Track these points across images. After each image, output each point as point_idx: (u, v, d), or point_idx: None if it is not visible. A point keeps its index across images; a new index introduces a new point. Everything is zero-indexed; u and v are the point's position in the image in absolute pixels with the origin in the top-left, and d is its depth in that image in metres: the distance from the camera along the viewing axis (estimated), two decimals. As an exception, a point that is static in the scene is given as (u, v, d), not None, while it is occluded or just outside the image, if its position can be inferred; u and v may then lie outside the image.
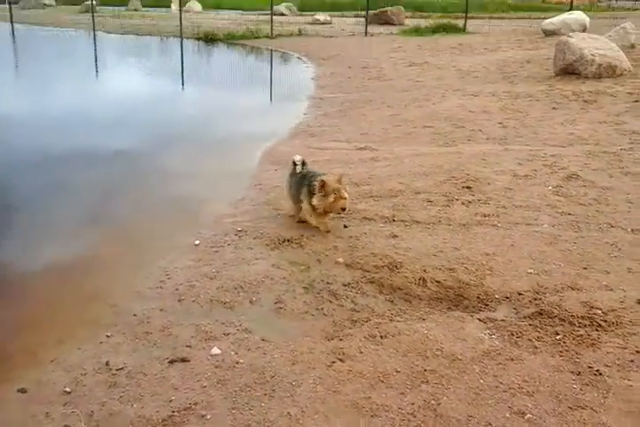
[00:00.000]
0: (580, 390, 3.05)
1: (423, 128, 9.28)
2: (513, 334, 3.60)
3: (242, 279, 4.50)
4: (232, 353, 3.48)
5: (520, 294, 4.10)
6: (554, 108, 10.26)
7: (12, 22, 30.48)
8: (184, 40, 23.79)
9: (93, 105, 12.18)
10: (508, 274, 4.38)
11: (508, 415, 2.87)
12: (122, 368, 3.43)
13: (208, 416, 2.93)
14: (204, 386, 3.19)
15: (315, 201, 5.10)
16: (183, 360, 3.45)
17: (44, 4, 40.97)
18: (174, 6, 36.13)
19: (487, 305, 4.05)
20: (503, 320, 3.79)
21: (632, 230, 5.10)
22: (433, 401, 2.98)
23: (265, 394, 3.09)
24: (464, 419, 2.85)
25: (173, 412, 2.99)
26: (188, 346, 3.63)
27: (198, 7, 39.52)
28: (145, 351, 3.62)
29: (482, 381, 3.14)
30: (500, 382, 3.12)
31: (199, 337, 3.72)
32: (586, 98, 10.79)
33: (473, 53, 18.59)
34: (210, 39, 24.35)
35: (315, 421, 2.87)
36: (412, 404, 2.97)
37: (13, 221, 5.93)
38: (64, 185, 7.01)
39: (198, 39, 24.66)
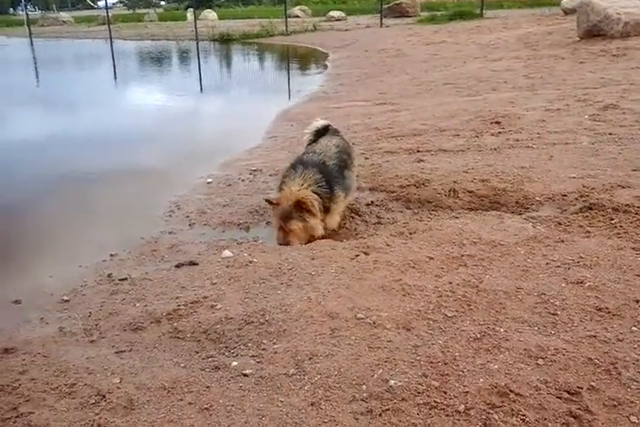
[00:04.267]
0: (647, 262, 2.62)
1: (444, 85, 8.87)
2: (560, 224, 3.18)
3: (257, 205, 4.16)
4: (245, 255, 3.12)
5: (564, 196, 3.67)
6: (581, 63, 9.75)
7: (30, 37, 31.27)
8: (200, 42, 23.76)
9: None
10: (549, 180, 3.95)
11: (564, 285, 2.45)
12: (125, 278, 3.10)
13: (218, 306, 2.57)
14: (214, 283, 2.83)
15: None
16: (191, 264, 3.11)
17: (63, 21, 41.90)
18: (189, 15, 36.37)
19: (528, 208, 3.63)
20: (548, 216, 3.37)
21: (683, 141, 4.63)
22: (474, 280, 2.58)
23: (282, 283, 2.72)
24: (512, 291, 2.44)
25: (179, 306, 2.63)
26: (198, 254, 3.30)
27: (214, 16, 39.78)
28: (151, 264, 3.30)
29: (529, 260, 2.73)
30: (552, 260, 2.70)
31: (210, 249, 3.39)
32: (614, 53, 10.27)
33: (492, 32, 18.07)
34: (225, 39, 24.28)
35: (338, 302, 2.49)
36: (450, 283, 2.57)
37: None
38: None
39: (213, 40, 24.63)
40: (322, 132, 4.07)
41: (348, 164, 3.81)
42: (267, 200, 3.49)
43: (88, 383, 2.11)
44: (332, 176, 3.52)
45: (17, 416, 1.96)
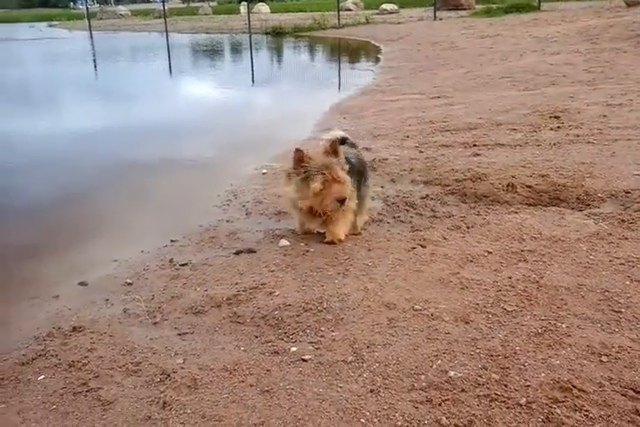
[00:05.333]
0: None
1: (501, 79, 8.72)
2: (624, 221, 3.11)
3: (312, 196, 4.20)
4: (302, 244, 3.17)
5: (628, 192, 3.57)
6: (645, 57, 9.43)
7: (90, 30, 32.20)
8: (253, 35, 24.04)
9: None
10: (611, 176, 3.85)
11: (628, 283, 2.40)
12: (185, 264, 3.19)
13: (276, 293, 2.63)
14: (272, 270, 2.89)
15: (292, 191, 3.10)
16: (250, 251, 3.17)
17: (120, 15, 43.15)
18: (243, 9, 36.81)
19: (589, 204, 3.55)
20: (610, 213, 3.29)
21: None
22: (534, 275, 2.55)
23: (338, 273, 2.76)
24: (574, 287, 2.40)
25: (239, 291, 2.70)
26: (255, 242, 3.36)
27: (266, 9, 40.12)
28: (210, 251, 3.37)
29: (592, 257, 2.68)
30: (615, 257, 2.65)
31: (267, 238, 3.45)
32: (682, 47, 9.88)
33: (549, 25, 17.60)
34: (277, 33, 24.47)
35: (395, 293, 2.50)
36: (510, 278, 2.55)
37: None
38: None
39: (266, 33, 24.85)
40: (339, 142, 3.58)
41: (366, 177, 3.44)
42: (297, 150, 3.01)
43: (153, 363, 2.19)
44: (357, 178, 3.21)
45: (87, 391, 2.06)
